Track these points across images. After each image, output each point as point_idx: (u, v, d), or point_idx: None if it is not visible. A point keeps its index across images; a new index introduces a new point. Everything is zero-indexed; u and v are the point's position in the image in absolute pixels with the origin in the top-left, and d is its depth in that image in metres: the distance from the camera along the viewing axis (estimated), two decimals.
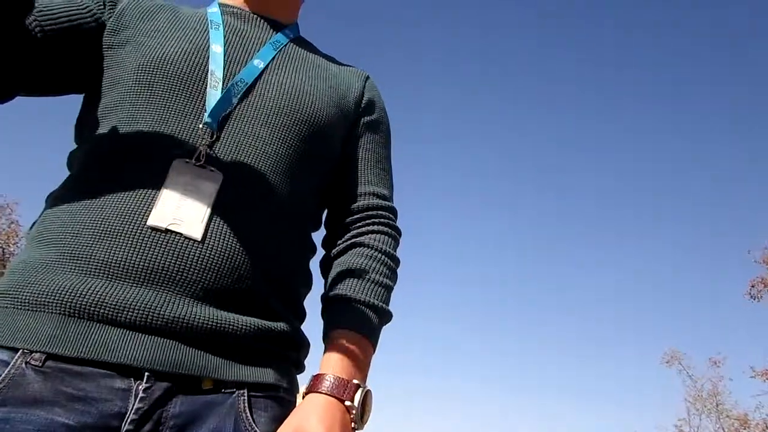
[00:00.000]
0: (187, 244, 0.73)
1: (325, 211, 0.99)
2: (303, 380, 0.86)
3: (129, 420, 0.66)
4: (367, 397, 0.79)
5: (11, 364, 0.66)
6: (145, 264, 0.71)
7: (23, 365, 0.66)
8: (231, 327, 0.73)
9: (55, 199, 0.79)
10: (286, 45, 0.94)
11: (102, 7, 0.87)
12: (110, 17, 0.87)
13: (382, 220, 0.94)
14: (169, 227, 0.73)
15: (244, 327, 0.74)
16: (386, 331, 0.91)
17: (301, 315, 0.88)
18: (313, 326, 0.90)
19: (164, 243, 0.72)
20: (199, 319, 0.71)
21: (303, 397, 0.77)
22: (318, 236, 0.97)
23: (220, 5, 0.95)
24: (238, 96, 0.83)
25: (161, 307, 0.70)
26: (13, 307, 0.70)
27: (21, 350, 0.67)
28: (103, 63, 0.85)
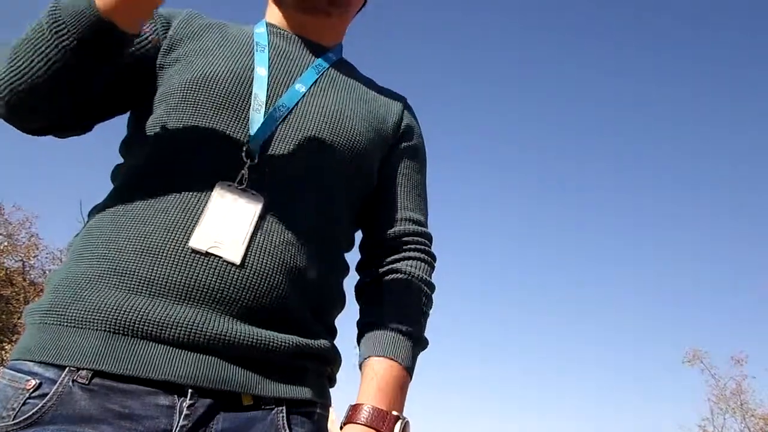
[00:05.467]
0: (227, 266, 0.74)
1: (360, 234, 0.99)
2: (333, 393, 0.88)
3: None
4: (406, 428, 0.79)
5: (59, 381, 0.67)
6: (187, 282, 0.72)
7: (70, 383, 0.67)
8: (270, 344, 0.74)
9: (98, 213, 0.80)
10: (327, 69, 0.95)
11: (158, 31, 0.89)
12: (164, 39, 0.89)
13: (418, 246, 0.95)
14: (209, 250, 0.74)
15: (282, 344, 0.75)
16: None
17: (334, 332, 0.89)
18: (344, 342, 0.91)
19: (204, 264, 0.73)
20: (239, 336, 0.72)
21: (341, 428, 0.78)
22: (351, 257, 0.98)
23: (268, 25, 0.97)
24: (280, 120, 0.84)
25: (203, 325, 0.71)
26: (59, 324, 0.71)
27: (68, 368, 0.68)
28: (156, 82, 0.87)
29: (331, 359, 0.84)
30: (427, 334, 0.91)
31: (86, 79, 0.75)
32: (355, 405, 0.79)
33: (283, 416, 0.74)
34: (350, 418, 0.78)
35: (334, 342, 0.88)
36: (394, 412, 0.78)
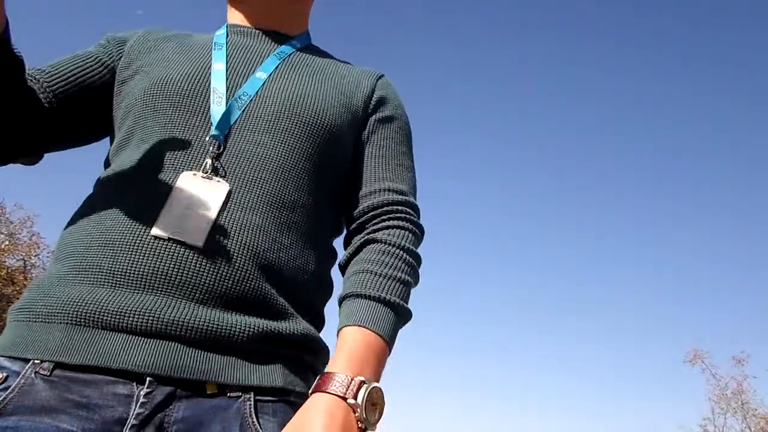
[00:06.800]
0: (188, 251, 0.73)
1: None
2: None
3: (129, 425, 0.66)
4: (373, 394, 0.74)
5: (21, 374, 0.68)
6: (146, 270, 0.72)
7: (33, 375, 0.68)
8: (233, 328, 0.73)
9: (72, 218, 0.83)
10: (291, 54, 0.95)
11: (112, 54, 0.92)
12: (120, 58, 0.92)
13: (399, 215, 0.90)
14: (171, 236, 0.74)
15: (248, 328, 0.74)
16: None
17: (317, 320, 0.87)
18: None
19: (165, 250, 0.73)
20: (199, 321, 0.71)
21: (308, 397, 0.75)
22: (340, 241, 0.96)
23: (228, 26, 0.98)
24: (242, 108, 0.85)
25: (161, 311, 0.70)
26: (28, 321, 0.73)
27: (32, 361, 0.69)
28: (119, 99, 0.90)
29: (311, 347, 0.81)
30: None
31: None
32: (322, 374, 0.75)
33: (250, 404, 0.71)
34: (316, 387, 0.74)
35: (319, 332, 0.85)
36: (360, 378, 0.73)
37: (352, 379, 0.73)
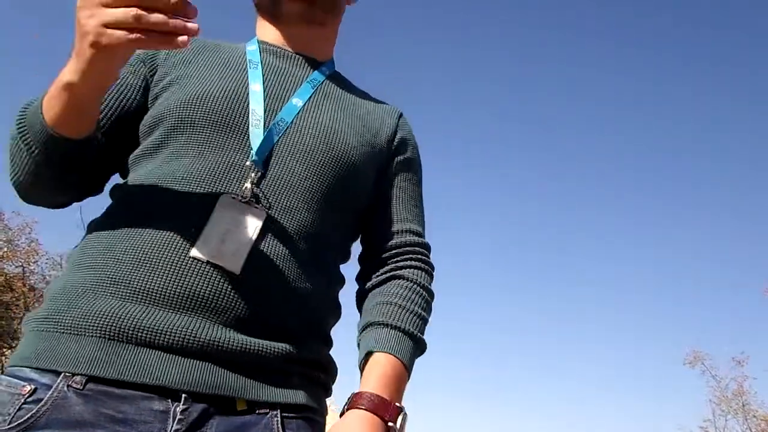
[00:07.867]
0: (225, 276, 0.75)
1: (358, 246, 1.02)
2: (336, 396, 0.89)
3: None
4: (404, 421, 0.80)
5: (53, 387, 0.68)
6: (182, 291, 0.73)
7: (65, 388, 0.68)
8: (264, 351, 0.76)
9: (97, 226, 0.82)
10: (322, 83, 0.97)
11: (142, 73, 0.91)
12: (153, 73, 0.92)
13: (418, 256, 0.97)
14: (210, 260, 0.75)
15: (276, 351, 0.77)
16: None
17: (329, 342, 0.91)
18: (341, 355, 0.93)
19: (202, 273, 0.75)
20: (233, 343, 0.74)
21: (341, 414, 0.79)
22: (346, 268, 1.00)
23: (259, 42, 0.99)
24: (280, 135, 0.86)
25: (197, 331, 0.72)
26: (55, 331, 0.72)
27: (63, 373, 0.69)
28: (151, 107, 0.90)
29: (326, 367, 0.87)
30: (430, 333, 0.93)
31: (69, 170, 0.81)
32: (357, 392, 0.80)
33: (277, 420, 0.75)
34: (353, 403, 0.78)
35: (329, 352, 0.90)
36: (398, 404, 0.79)
37: (390, 403, 0.79)
